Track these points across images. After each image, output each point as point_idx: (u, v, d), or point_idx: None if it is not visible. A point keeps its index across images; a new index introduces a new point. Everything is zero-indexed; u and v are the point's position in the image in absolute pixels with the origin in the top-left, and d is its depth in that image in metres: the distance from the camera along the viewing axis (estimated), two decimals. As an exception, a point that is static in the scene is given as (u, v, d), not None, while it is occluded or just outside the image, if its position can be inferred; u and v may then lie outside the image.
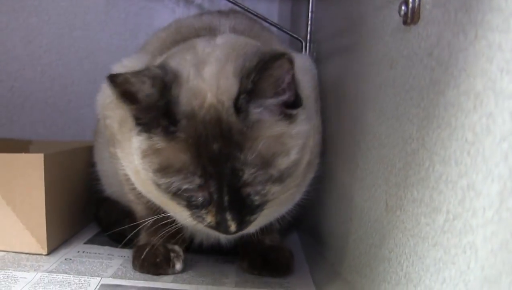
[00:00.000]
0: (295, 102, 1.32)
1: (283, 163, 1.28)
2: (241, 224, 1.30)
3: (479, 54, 0.87)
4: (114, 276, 1.57)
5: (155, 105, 1.24)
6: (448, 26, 0.99)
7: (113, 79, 1.21)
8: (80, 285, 1.47)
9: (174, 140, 1.25)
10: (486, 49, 0.86)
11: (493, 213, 0.81)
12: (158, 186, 1.31)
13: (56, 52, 2.75)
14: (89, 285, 1.47)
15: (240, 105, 1.23)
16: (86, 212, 2.08)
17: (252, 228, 1.48)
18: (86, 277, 1.53)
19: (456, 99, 0.94)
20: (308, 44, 2.15)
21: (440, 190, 0.98)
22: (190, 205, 1.31)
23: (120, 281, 1.53)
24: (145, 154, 1.31)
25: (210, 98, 1.26)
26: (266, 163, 1.25)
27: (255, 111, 1.25)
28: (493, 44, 0.84)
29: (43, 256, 1.71)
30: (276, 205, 1.42)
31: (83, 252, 1.78)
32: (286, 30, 2.32)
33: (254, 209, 1.31)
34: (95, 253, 1.78)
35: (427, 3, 1.08)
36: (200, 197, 1.29)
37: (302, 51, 2.17)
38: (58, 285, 1.46)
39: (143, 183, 1.47)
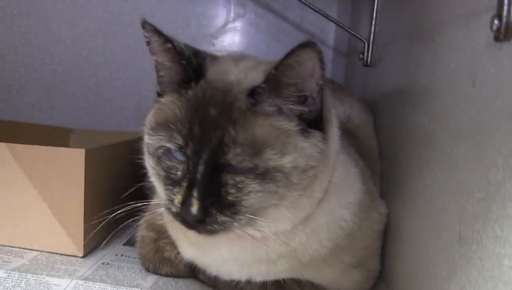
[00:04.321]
0: (316, 120, 1.26)
1: (273, 159, 1.20)
2: (205, 211, 1.19)
3: None
4: (153, 287, 1.49)
5: (177, 64, 1.27)
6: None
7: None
8: (118, 296, 1.39)
9: (180, 99, 1.25)
10: None
11: None
12: (148, 147, 1.30)
13: (103, 36, 2.69)
14: (127, 297, 1.39)
15: (255, 94, 1.21)
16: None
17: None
18: (124, 287, 1.45)
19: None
20: (371, 45, 2.03)
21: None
22: (168, 177, 1.25)
23: (160, 294, 1.44)
24: (148, 120, 1.33)
25: (231, 77, 1.27)
26: (255, 150, 1.19)
27: (268, 106, 1.22)
28: None
29: (79, 259, 1.63)
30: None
31: (121, 255, 1.70)
32: (348, 29, 2.21)
33: (225, 204, 1.21)
34: (134, 258, 1.69)
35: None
36: (179, 172, 1.23)
37: (364, 52, 2.05)
38: (94, 296, 1.38)
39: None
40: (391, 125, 1.72)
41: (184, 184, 1.20)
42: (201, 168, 1.18)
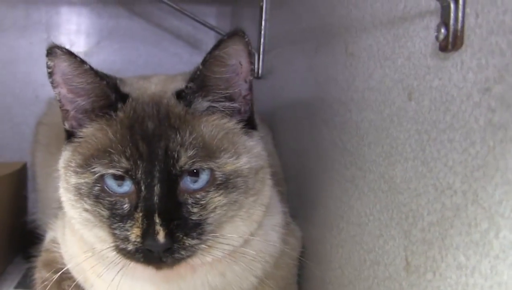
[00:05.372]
0: (250, 120, 1.26)
1: (230, 163, 1.18)
2: (172, 238, 1.11)
3: None
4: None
5: (98, 87, 1.18)
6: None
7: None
8: None
9: (110, 123, 1.18)
10: None
11: None
12: (79, 190, 1.17)
13: (-35, 60, 2.52)
14: None
15: (184, 95, 1.20)
16: (10, 245, 1.81)
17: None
18: None
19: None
20: (261, 56, 1.94)
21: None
22: (113, 215, 1.15)
23: None
24: (68, 161, 1.21)
25: (153, 89, 1.26)
26: (209, 151, 1.16)
27: (201, 105, 1.20)
28: None
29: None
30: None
31: (17, 303, 1.56)
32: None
33: (190, 226, 1.14)
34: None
35: (479, 26, 0.87)
36: (125, 204, 1.15)
37: (254, 63, 1.96)
38: None
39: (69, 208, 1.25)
40: (298, 142, 1.64)
41: (139, 214, 1.11)
42: (157, 188, 1.10)
